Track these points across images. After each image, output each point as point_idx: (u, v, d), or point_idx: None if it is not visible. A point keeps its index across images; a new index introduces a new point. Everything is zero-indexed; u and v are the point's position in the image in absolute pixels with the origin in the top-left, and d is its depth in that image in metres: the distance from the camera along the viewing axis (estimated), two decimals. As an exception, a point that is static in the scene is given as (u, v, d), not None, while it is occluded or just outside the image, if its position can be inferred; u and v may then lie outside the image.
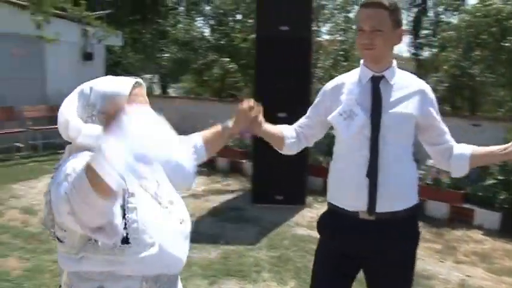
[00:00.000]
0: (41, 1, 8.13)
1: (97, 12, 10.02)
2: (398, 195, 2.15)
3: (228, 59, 12.25)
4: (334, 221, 2.25)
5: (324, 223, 2.34)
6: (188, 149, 1.83)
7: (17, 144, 8.91)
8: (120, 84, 1.46)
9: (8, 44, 9.12)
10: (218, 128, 2.00)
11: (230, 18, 13.95)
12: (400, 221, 2.16)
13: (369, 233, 2.14)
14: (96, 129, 1.35)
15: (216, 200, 6.49)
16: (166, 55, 13.99)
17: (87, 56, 10.68)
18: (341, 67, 9.95)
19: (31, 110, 9.45)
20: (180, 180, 1.65)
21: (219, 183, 7.40)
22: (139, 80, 1.51)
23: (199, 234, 4.92)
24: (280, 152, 2.36)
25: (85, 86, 1.47)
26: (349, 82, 2.21)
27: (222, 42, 13.27)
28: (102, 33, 9.74)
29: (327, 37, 12.58)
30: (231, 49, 12.74)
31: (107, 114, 1.34)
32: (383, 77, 2.16)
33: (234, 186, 7.25)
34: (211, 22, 14.48)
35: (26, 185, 6.90)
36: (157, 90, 15.86)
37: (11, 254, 4.45)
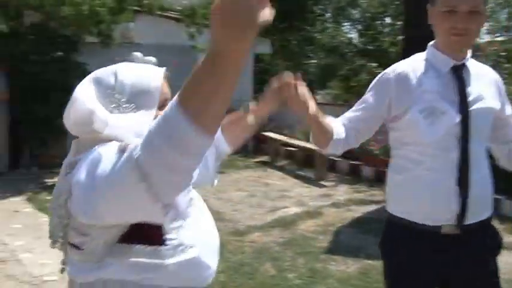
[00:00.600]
0: (194, 14, 8.63)
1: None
2: (487, 201, 1.88)
3: (375, 64, 11.84)
4: (408, 241, 1.90)
5: (393, 244, 1.99)
6: None
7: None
8: (149, 74, 1.30)
9: (167, 54, 9.76)
10: (238, 114, 1.64)
11: (378, 22, 13.49)
12: (486, 230, 1.89)
13: (454, 248, 1.84)
14: (126, 119, 1.21)
15: (359, 211, 6.22)
16: (313, 61, 13.98)
17: (237, 64, 11.02)
18: (503, 69, 9.01)
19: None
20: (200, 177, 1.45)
21: (362, 193, 7.12)
22: (164, 70, 1.34)
23: (339, 246, 4.75)
24: (321, 150, 1.99)
25: (103, 74, 1.29)
26: (418, 72, 1.87)
27: (369, 47, 12.88)
28: (250, 41, 10.01)
29: (486, 37, 11.51)
30: (378, 54, 12.31)
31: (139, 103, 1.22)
32: (463, 65, 1.83)
33: (379, 197, 6.92)
34: (359, 27, 14.15)
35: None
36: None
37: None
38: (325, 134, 1.90)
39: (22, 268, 4.39)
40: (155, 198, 0.97)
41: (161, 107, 1.23)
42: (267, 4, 0.85)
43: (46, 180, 7.31)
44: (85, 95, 1.23)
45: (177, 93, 0.95)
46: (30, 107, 7.56)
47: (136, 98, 1.25)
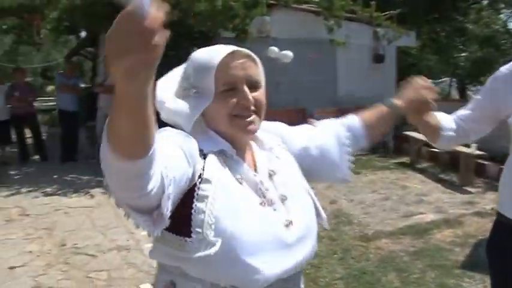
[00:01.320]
0: (332, 6, 8.35)
1: (387, 12, 9.79)
2: None
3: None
4: None
5: (501, 250, 1.81)
6: (339, 135, 1.51)
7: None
8: (212, 53, 1.23)
9: (304, 48, 9.67)
10: (382, 107, 1.57)
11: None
12: None
13: None
14: (180, 103, 1.22)
15: (508, 222, 5.48)
16: (464, 54, 12.86)
17: (378, 58, 10.56)
18: None
19: (321, 112, 9.81)
20: (329, 172, 1.48)
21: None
22: (238, 49, 1.24)
23: (477, 261, 4.19)
24: (433, 145, 1.93)
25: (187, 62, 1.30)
26: None
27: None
28: (392, 34, 9.48)
29: None
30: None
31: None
32: None
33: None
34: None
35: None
36: (455, 94, 14.79)
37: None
38: (436, 131, 1.85)
39: (143, 257, 4.52)
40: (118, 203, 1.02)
41: (228, 90, 1.22)
42: (154, 39, 0.76)
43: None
44: (159, 85, 1.27)
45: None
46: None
47: (198, 81, 1.23)
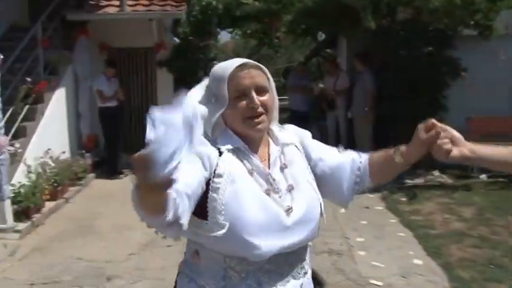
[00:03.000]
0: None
1: None
2: None
3: None
4: None
5: None
6: (354, 165, 1.63)
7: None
8: (224, 66, 1.50)
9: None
10: (389, 151, 1.59)
11: None
12: None
13: None
14: (205, 110, 1.48)
15: None
16: None
17: None
18: None
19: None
20: (333, 191, 1.64)
21: None
22: (247, 61, 1.51)
23: None
24: None
25: None
26: None
27: None
28: None
29: None
30: None
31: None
32: None
33: None
34: None
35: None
36: None
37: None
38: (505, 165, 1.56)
39: (353, 265, 4.39)
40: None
41: (239, 97, 1.47)
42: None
43: (406, 180, 7.09)
44: (192, 89, 1.55)
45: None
46: (398, 103, 7.36)
47: (216, 91, 1.50)
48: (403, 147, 1.54)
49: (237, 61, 1.50)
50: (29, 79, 6.43)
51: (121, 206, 6.46)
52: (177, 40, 9.06)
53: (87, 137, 8.67)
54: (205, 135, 1.48)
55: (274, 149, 1.56)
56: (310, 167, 1.61)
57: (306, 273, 1.57)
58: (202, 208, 1.40)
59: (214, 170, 1.42)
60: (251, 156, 1.49)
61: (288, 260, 1.50)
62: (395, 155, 1.54)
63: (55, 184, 6.54)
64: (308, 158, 1.62)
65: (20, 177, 6.04)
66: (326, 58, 16.58)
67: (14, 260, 4.68)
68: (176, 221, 1.24)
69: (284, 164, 1.54)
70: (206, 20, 8.82)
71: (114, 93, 8.09)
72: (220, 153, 1.45)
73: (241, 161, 1.48)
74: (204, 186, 1.39)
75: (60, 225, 5.71)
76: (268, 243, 1.41)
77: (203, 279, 1.49)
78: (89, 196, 7.07)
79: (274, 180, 1.49)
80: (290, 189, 1.51)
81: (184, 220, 1.27)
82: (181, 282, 1.56)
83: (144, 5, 8.65)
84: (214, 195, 1.40)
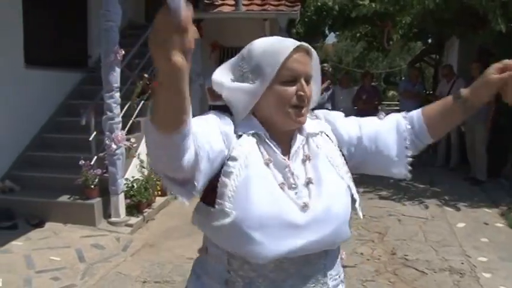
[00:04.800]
0: None
1: None
2: None
3: None
4: None
5: None
6: (400, 129, 1.47)
7: None
8: (278, 47, 1.33)
9: None
10: (448, 99, 1.42)
11: None
12: None
13: None
14: (238, 87, 1.34)
15: None
16: None
17: None
18: None
19: None
20: (385, 165, 1.48)
21: None
22: (303, 44, 1.35)
23: None
24: None
25: (245, 47, 1.40)
26: None
27: None
28: None
29: None
30: None
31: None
32: None
33: None
34: None
35: None
36: None
37: None
38: None
39: (478, 287, 4.00)
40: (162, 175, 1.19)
41: (289, 82, 1.32)
42: (187, 33, 0.94)
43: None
44: (220, 66, 1.42)
45: None
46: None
47: (258, 69, 1.32)
48: (464, 90, 1.41)
49: (292, 41, 1.35)
50: (146, 75, 6.55)
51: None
52: (290, 41, 8.92)
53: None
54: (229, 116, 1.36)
55: (298, 140, 1.40)
56: (348, 153, 1.46)
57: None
58: (211, 193, 1.28)
59: (229, 153, 1.29)
60: (271, 144, 1.35)
61: (301, 271, 1.33)
62: (457, 100, 1.40)
63: (166, 180, 6.60)
64: (342, 142, 1.47)
65: (133, 171, 6.16)
66: (429, 64, 15.84)
67: (126, 255, 4.71)
68: (190, 179, 1.17)
69: (306, 156, 1.38)
70: (320, 20, 8.62)
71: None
72: (239, 136, 1.33)
73: (259, 148, 1.33)
74: (219, 166, 1.28)
75: (169, 222, 5.73)
76: (274, 242, 1.25)
77: (209, 278, 1.38)
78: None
79: (292, 173, 1.33)
80: (308, 182, 1.33)
81: (200, 177, 1.18)
82: (190, 279, 1.48)
83: (258, 5, 8.63)
84: (226, 179, 1.26)
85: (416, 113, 1.49)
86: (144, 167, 6.34)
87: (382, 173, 1.52)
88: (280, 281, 1.31)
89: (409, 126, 1.48)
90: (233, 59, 1.42)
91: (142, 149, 6.45)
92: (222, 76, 1.38)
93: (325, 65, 9.57)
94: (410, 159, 1.47)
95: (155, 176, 6.31)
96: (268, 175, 1.30)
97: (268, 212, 1.25)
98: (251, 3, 8.65)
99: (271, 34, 8.56)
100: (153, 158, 1.15)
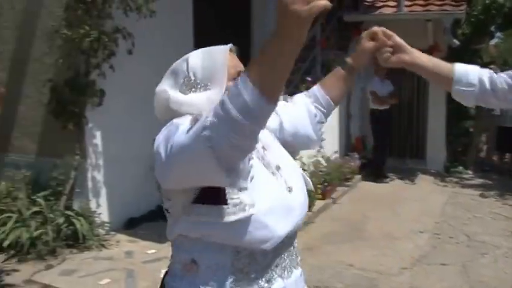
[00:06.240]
0: None
1: None
2: None
3: None
4: None
5: None
6: (308, 107, 1.68)
7: None
8: (215, 54, 1.41)
9: None
10: (338, 69, 1.72)
11: None
12: None
13: None
14: (200, 96, 1.36)
15: None
16: None
17: None
18: None
19: None
20: (303, 141, 1.65)
21: None
22: (231, 46, 1.45)
23: None
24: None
25: (178, 64, 1.44)
26: None
27: None
28: None
29: None
30: None
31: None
32: None
33: None
34: None
35: None
36: None
37: None
38: (443, 81, 1.70)
39: None
40: (221, 162, 1.12)
41: (234, 79, 1.34)
42: None
43: None
44: (161, 88, 1.43)
45: (246, 69, 1.10)
46: None
47: (208, 77, 1.38)
48: (348, 59, 1.69)
49: (224, 46, 1.43)
50: (309, 78, 6.66)
51: (390, 212, 6.23)
52: (456, 42, 8.34)
53: (355, 138, 8.69)
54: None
55: None
56: (276, 137, 1.59)
57: (299, 261, 1.51)
58: (210, 193, 1.26)
59: None
60: None
61: (289, 249, 1.44)
62: (344, 68, 1.68)
63: (325, 184, 6.65)
64: (270, 129, 1.58)
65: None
66: None
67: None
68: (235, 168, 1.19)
69: (263, 147, 1.45)
70: (489, 19, 7.94)
71: (388, 95, 7.89)
72: None
73: None
74: None
75: (328, 226, 5.76)
76: (282, 226, 1.34)
77: None
78: (356, 198, 7.00)
79: (268, 162, 1.41)
80: (278, 169, 1.42)
81: (247, 168, 1.26)
82: None
83: (421, 5, 8.25)
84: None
85: (316, 89, 1.71)
86: (305, 170, 6.44)
87: (301, 148, 1.72)
88: (278, 263, 1.40)
89: (314, 103, 1.68)
90: (166, 78, 1.45)
91: (303, 152, 6.56)
92: (173, 93, 1.40)
93: (492, 67, 8.78)
94: (322, 129, 1.71)
95: (316, 180, 6.39)
96: (260, 164, 1.38)
97: (276, 198, 1.35)
98: (413, 4, 8.28)
99: (435, 35, 8.19)
100: (234, 139, 1.09)
